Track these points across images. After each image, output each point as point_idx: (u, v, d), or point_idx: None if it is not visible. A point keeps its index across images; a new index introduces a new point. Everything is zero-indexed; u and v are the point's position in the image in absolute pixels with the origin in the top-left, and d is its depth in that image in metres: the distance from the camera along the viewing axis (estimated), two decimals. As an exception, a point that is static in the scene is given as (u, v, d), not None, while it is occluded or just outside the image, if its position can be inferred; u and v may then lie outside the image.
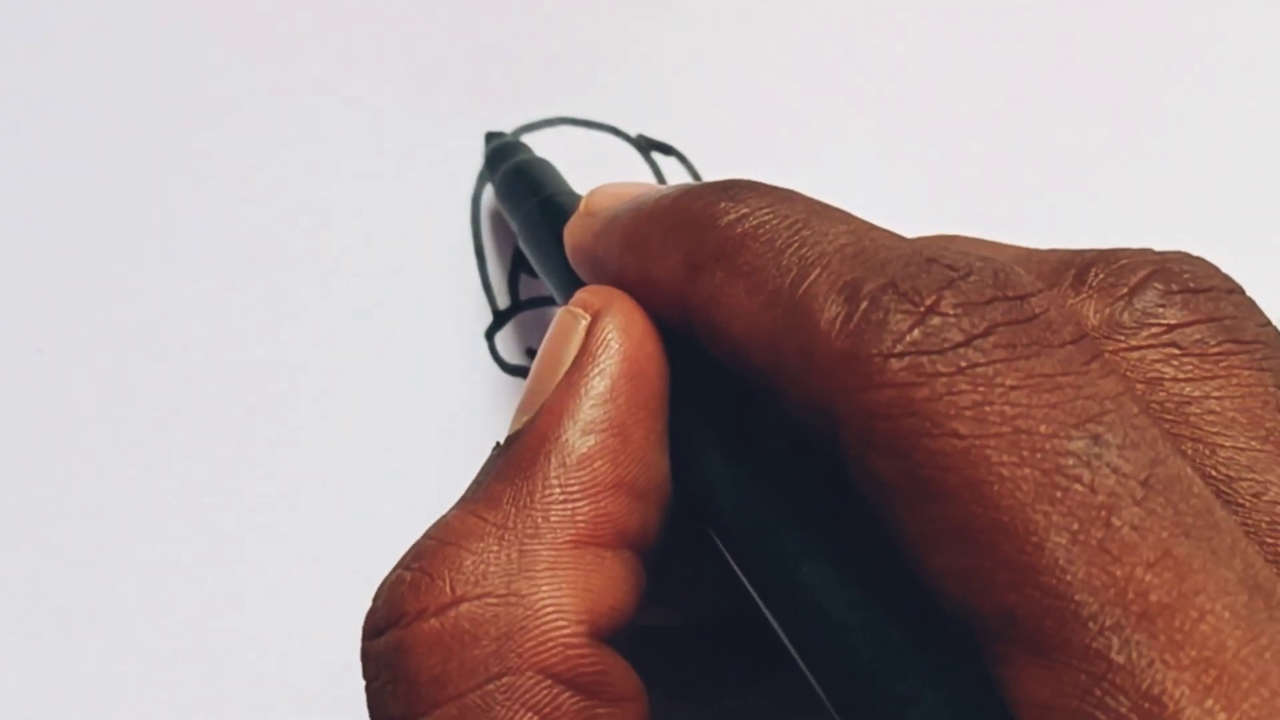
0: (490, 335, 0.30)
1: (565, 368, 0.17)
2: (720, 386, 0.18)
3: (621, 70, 0.33)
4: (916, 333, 0.14)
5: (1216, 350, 0.16)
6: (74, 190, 0.31)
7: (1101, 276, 0.17)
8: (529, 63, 0.33)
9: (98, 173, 0.31)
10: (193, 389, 0.29)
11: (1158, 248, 0.18)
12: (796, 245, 0.16)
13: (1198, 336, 0.16)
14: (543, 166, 0.28)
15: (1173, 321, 0.16)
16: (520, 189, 0.27)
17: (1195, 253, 0.18)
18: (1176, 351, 0.16)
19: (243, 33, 0.33)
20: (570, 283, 0.22)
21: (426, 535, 0.17)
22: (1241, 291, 0.17)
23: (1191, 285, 0.17)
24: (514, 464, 0.17)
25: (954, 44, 0.33)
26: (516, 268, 0.30)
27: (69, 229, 0.31)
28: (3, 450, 0.29)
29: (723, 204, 0.17)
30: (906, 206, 0.32)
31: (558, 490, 0.17)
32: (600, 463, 0.17)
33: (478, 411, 0.30)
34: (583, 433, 0.17)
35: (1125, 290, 0.17)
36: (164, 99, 0.32)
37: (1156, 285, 0.17)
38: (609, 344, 0.18)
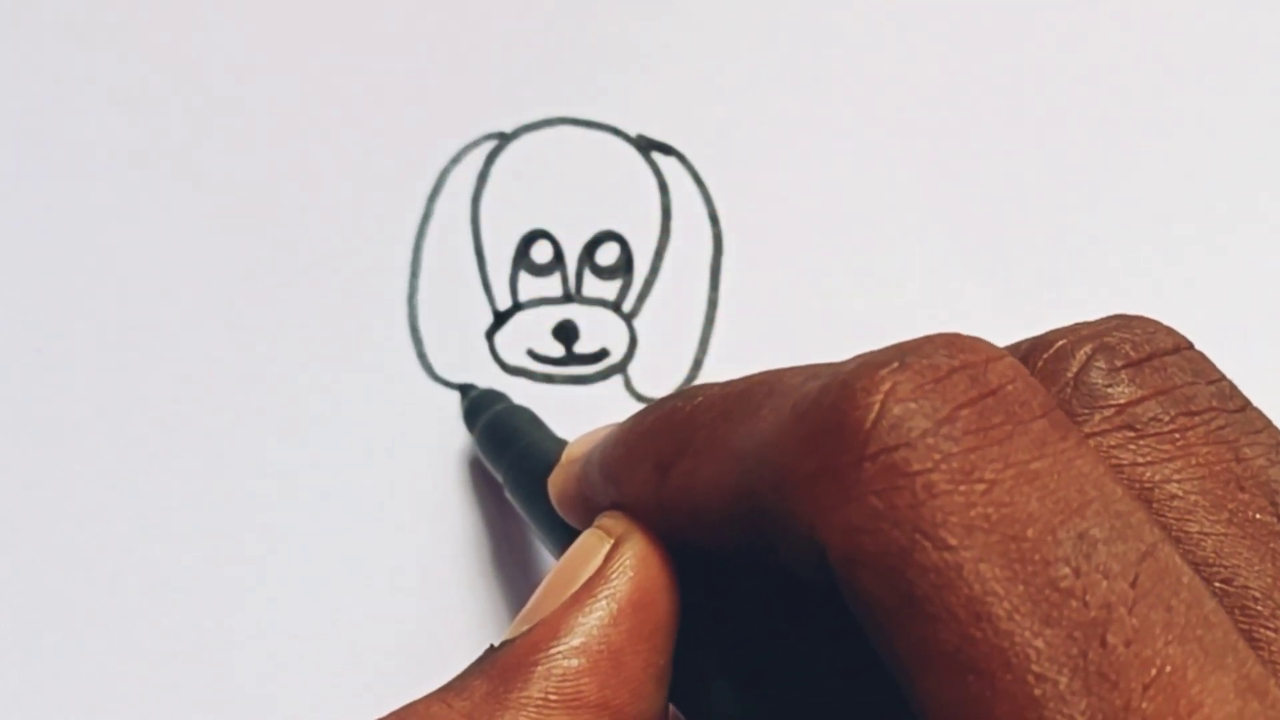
0: (490, 335, 0.30)
1: (576, 587, 0.17)
2: (732, 620, 0.18)
3: (621, 70, 0.33)
4: (881, 427, 0.13)
5: (1171, 427, 0.16)
6: (74, 190, 0.31)
7: (1041, 365, 0.16)
8: (529, 63, 0.33)
9: (97, 173, 0.31)
10: (193, 389, 0.29)
11: (1115, 310, 0.17)
12: (746, 399, 0.16)
13: (1152, 414, 0.16)
14: (519, 414, 0.28)
15: (1123, 401, 0.16)
16: (500, 441, 0.27)
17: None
18: (1133, 434, 0.16)
19: (242, 34, 0.33)
20: (559, 528, 0.21)
21: (390, 714, 0.16)
22: (1189, 346, 0.17)
23: (1134, 355, 0.16)
24: (498, 664, 0.17)
25: (954, 44, 0.33)
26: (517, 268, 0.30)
27: (69, 229, 0.31)
28: (3, 450, 0.29)
29: (678, 403, 0.17)
30: (907, 206, 0.32)
31: (537, 695, 0.16)
32: (588, 680, 0.16)
33: (478, 412, 0.30)
34: (577, 652, 0.16)
35: (1070, 375, 0.16)
36: (164, 100, 0.32)
37: (1099, 364, 0.16)
38: (625, 570, 0.17)
